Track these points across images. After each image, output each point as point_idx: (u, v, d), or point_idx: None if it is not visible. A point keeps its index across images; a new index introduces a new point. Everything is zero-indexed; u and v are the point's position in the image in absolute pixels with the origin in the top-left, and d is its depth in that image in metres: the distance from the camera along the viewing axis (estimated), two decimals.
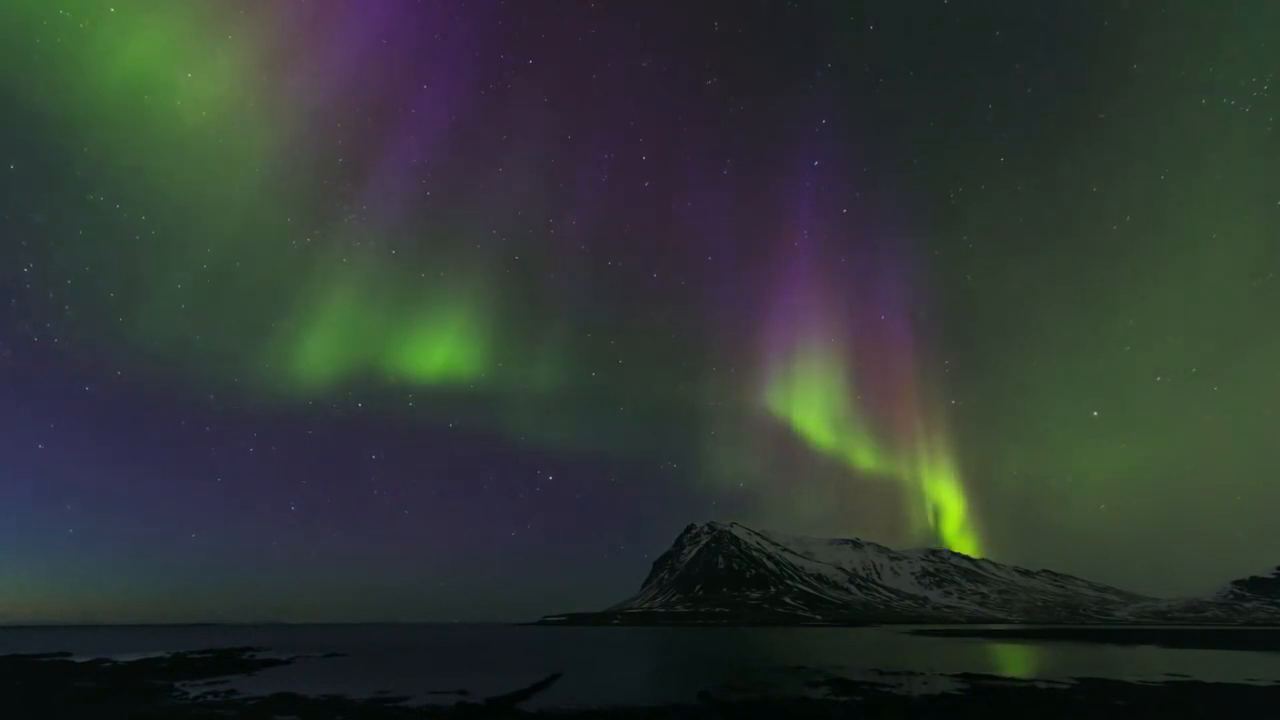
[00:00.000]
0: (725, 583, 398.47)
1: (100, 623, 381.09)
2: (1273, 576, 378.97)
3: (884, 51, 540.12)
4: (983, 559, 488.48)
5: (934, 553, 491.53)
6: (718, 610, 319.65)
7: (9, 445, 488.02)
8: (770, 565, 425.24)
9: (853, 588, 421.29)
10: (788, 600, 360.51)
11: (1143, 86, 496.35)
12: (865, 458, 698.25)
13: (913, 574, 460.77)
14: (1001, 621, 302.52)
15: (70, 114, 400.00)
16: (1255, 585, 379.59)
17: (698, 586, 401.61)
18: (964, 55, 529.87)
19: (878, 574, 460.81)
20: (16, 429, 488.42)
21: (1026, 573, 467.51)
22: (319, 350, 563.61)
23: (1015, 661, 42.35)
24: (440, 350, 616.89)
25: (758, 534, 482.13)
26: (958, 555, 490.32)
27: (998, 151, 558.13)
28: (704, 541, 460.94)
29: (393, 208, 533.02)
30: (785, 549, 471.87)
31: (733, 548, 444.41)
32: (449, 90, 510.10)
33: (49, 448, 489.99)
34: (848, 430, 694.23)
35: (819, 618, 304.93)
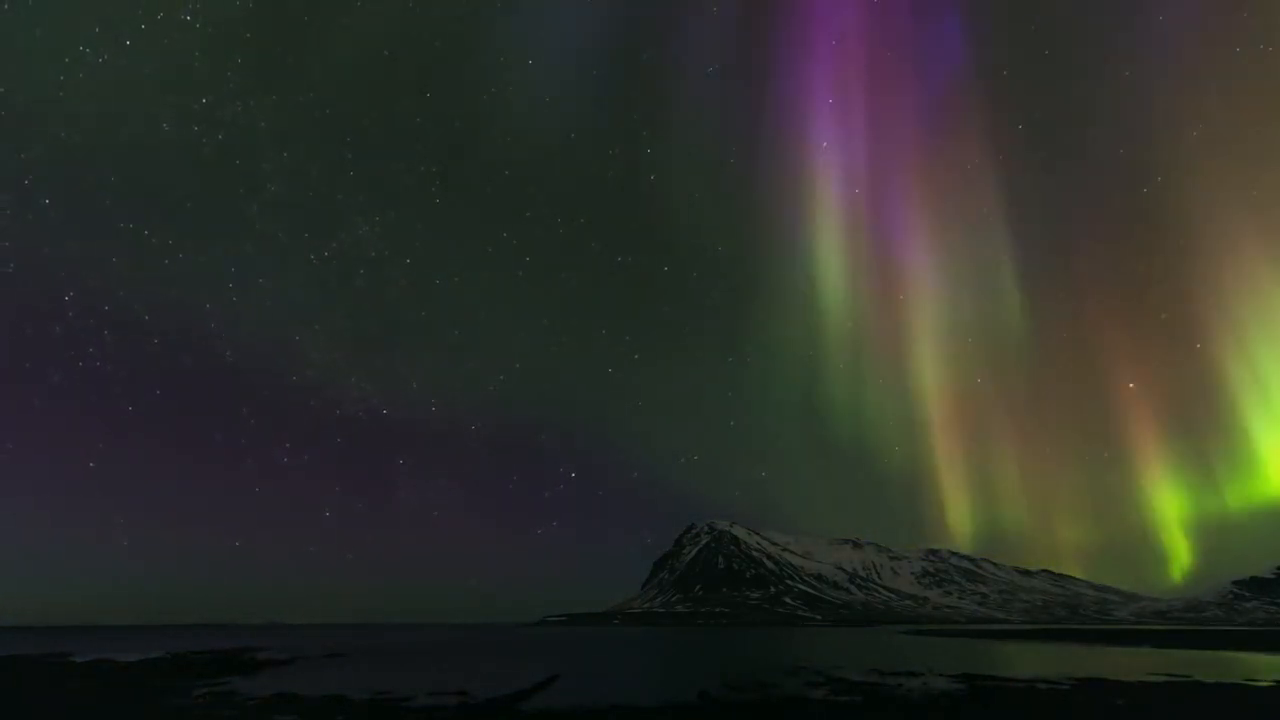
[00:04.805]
0: (725, 583, 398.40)
1: (102, 623, 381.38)
2: (1273, 576, 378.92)
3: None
4: (983, 559, 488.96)
5: (934, 553, 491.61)
6: (718, 610, 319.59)
7: (64, 465, 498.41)
8: (770, 565, 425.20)
9: (853, 588, 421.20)
10: (788, 600, 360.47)
11: (1171, 39, 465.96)
12: (881, 450, 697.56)
13: (913, 574, 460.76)
14: (1001, 621, 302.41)
15: (95, 145, 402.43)
16: (1255, 585, 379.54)
17: (698, 586, 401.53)
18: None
19: (878, 574, 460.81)
20: (69, 450, 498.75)
21: (1026, 573, 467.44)
22: (341, 359, 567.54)
23: (1015, 661, 42.31)
24: (460, 353, 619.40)
25: (758, 534, 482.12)
26: (958, 555, 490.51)
27: (1017, 120, 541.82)
28: (704, 541, 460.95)
29: (404, 217, 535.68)
30: (785, 549, 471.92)
31: (733, 548, 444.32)
32: (454, 96, 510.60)
33: (99, 466, 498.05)
34: (865, 420, 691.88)
35: (819, 618, 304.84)
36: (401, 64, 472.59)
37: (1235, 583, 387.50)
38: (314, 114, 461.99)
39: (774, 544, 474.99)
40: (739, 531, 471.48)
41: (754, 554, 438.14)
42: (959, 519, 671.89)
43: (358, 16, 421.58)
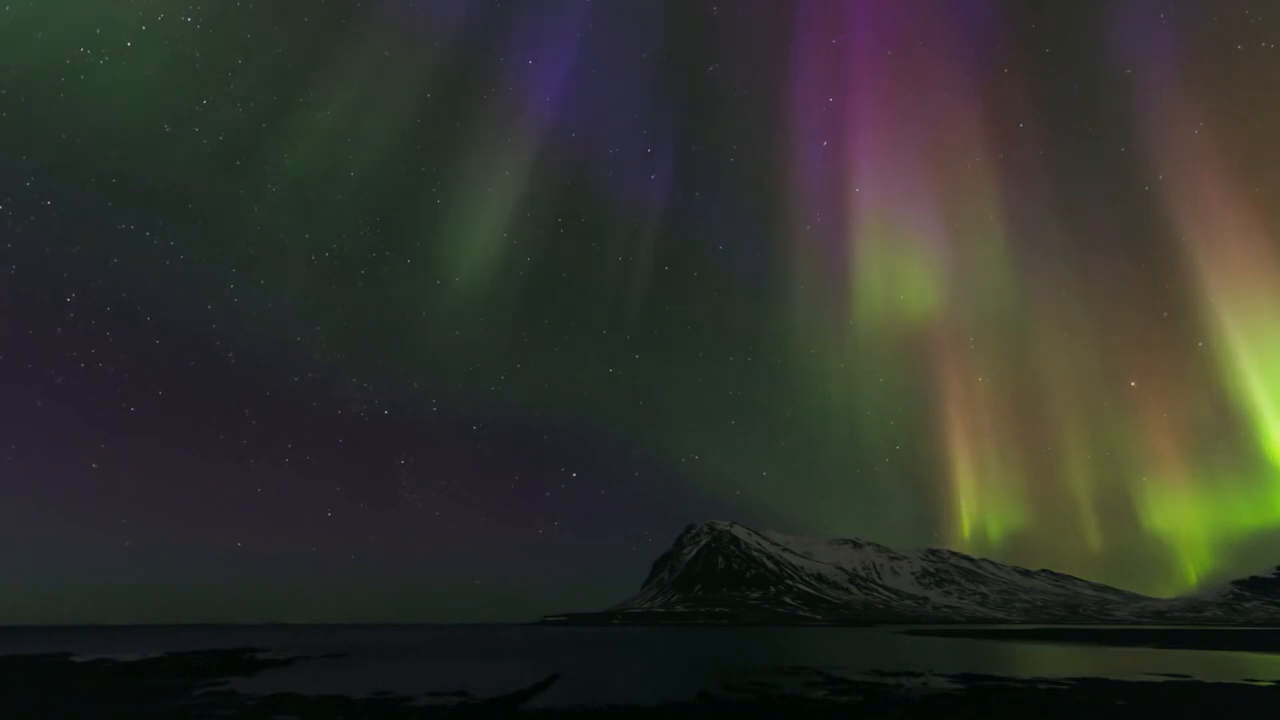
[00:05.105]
0: (725, 583, 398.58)
1: (102, 623, 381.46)
2: (1273, 576, 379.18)
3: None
4: (983, 559, 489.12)
5: (934, 553, 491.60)
6: (718, 610, 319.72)
7: (66, 467, 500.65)
8: (770, 565, 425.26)
9: (853, 588, 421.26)
10: (788, 600, 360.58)
11: (1171, 37, 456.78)
12: (882, 450, 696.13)
13: (913, 574, 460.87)
14: (1001, 621, 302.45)
15: (96, 146, 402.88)
16: (1255, 585, 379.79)
17: (698, 586, 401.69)
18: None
19: (878, 574, 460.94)
20: (71, 451, 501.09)
21: (1026, 573, 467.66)
22: (343, 360, 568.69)
23: (1015, 661, 42.30)
24: (460, 354, 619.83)
25: (758, 534, 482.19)
26: (958, 555, 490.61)
27: (1019, 118, 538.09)
28: (704, 541, 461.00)
29: (404, 216, 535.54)
30: (785, 549, 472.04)
31: (733, 548, 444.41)
32: (454, 96, 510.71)
33: (102, 467, 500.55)
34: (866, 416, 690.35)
35: (819, 618, 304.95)
36: (401, 64, 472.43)
37: (1235, 583, 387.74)
38: (314, 114, 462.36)
39: (774, 544, 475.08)
40: (739, 531, 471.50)
41: (754, 554, 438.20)
42: (959, 519, 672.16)
43: (358, 18, 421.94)
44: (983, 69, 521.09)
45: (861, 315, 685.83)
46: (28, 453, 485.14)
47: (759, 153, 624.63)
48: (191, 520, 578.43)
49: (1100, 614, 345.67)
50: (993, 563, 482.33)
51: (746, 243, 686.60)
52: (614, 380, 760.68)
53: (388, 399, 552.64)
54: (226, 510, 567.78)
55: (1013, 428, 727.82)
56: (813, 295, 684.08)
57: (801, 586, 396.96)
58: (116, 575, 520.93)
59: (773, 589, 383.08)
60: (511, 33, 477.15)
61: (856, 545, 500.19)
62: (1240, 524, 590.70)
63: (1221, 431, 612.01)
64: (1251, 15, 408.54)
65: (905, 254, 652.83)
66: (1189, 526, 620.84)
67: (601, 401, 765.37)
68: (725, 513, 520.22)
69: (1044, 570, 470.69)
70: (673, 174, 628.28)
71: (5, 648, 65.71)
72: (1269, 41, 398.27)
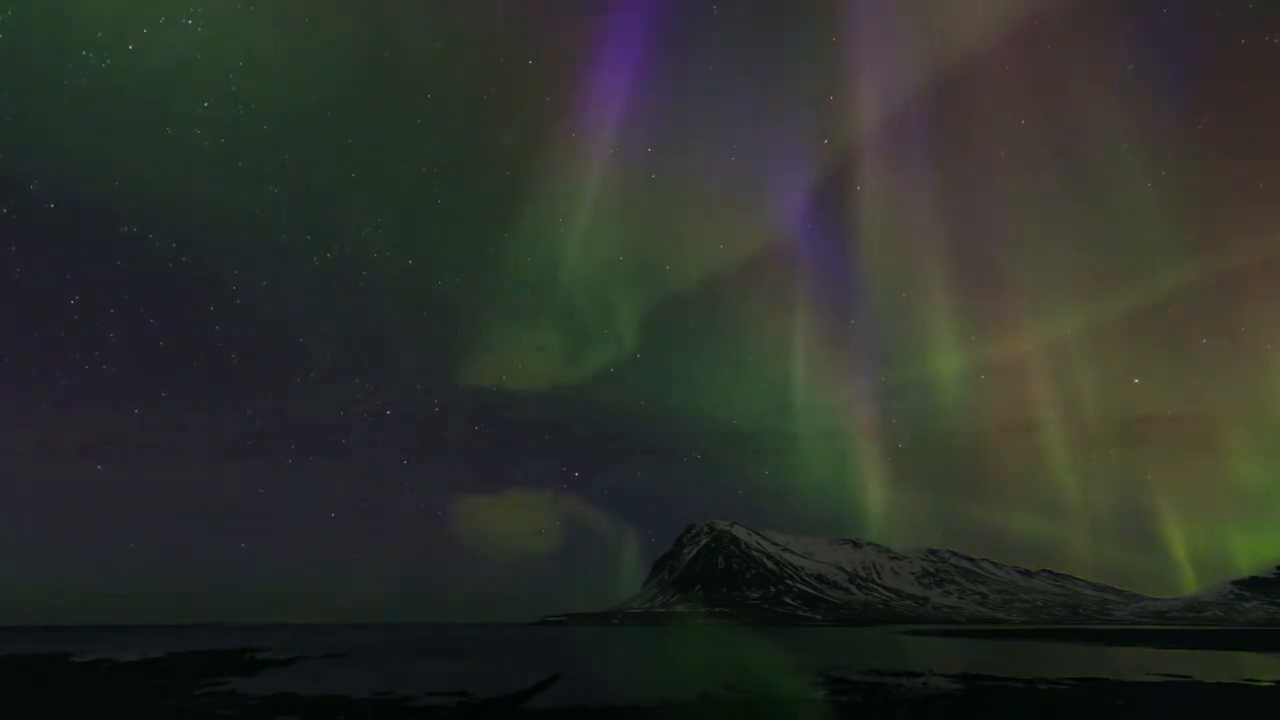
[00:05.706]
0: (725, 583, 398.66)
1: (101, 623, 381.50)
2: (1273, 576, 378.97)
3: None
4: (983, 559, 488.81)
5: (934, 553, 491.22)
6: (718, 610, 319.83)
7: (70, 468, 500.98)
8: (770, 565, 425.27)
9: (853, 588, 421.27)
10: (788, 600, 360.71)
11: (1172, 31, 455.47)
12: (882, 449, 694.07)
13: (913, 574, 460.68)
14: (1001, 621, 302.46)
15: (98, 148, 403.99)
16: (1255, 585, 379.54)
17: (698, 586, 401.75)
18: None
19: (878, 574, 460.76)
20: (75, 452, 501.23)
21: (1026, 573, 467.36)
22: (344, 360, 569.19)
23: (1015, 661, 42.30)
24: (462, 354, 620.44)
25: (758, 534, 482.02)
26: (958, 555, 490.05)
27: (1020, 115, 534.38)
28: (704, 541, 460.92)
29: (405, 217, 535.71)
30: (785, 549, 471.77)
31: (733, 548, 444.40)
32: (454, 97, 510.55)
33: (105, 467, 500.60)
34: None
35: (819, 618, 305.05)
36: (402, 65, 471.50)
37: (1235, 583, 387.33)
38: (315, 116, 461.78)
39: (774, 544, 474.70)
40: (739, 531, 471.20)
41: (754, 554, 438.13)
42: (959, 519, 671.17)
43: (358, 19, 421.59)
44: (984, 65, 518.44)
45: (861, 314, 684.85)
46: (32, 454, 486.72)
47: (760, 152, 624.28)
48: (194, 521, 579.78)
49: (1100, 614, 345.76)
50: (993, 563, 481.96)
51: (747, 241, 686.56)
52: (614, 380, 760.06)
53: (389, 399, 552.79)
54: (229, 511, 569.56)
55: (1015, 425, 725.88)
56: (813, 294, 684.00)
57: (801, 586, 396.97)
58: (118, 575, 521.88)
59: (773, 589, 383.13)
60: (510, 34, 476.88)
61: (856, 545, 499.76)
62: (1242, 523, 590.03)
63: (1225, 428, 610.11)
64: (1255, 9, 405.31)
65: (906, 251, 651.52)
66: (1190, 526, 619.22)
67: (601, 401, 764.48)
68: (725, 513, 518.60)
69: (1044, 570, 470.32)
70: (673, 174, 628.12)
71: (5, 648, 65.69)
72: (1272, 35, 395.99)
